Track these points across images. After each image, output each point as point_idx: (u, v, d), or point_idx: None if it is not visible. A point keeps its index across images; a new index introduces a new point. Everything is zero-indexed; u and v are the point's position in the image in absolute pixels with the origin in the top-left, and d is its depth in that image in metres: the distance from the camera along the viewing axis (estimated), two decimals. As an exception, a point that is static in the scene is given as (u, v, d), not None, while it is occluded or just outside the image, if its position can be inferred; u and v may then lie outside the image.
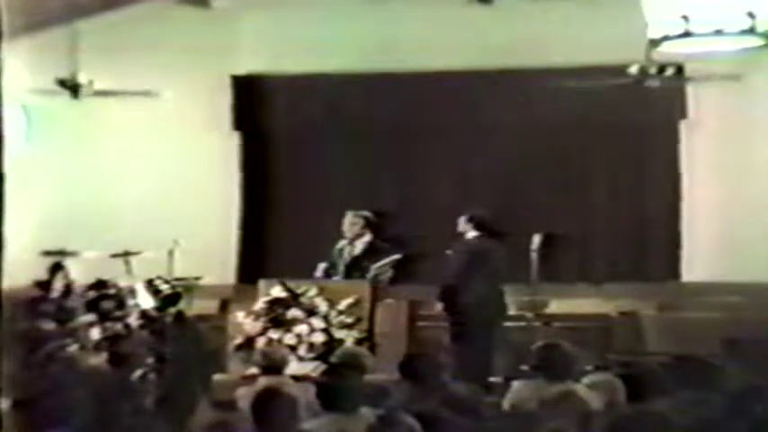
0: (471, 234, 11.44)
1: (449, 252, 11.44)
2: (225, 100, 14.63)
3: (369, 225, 12.03)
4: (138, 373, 8.77)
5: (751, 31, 9.51)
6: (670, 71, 12.42)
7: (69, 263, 12.35)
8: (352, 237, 11.90)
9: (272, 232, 14.78)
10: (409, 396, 6.73)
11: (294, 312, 11.11)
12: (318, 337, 10.97)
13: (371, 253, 11.75)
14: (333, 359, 8.63)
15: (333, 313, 11.07)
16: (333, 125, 14.56)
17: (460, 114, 14.19)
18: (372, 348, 10.50)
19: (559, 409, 5.58)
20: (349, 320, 11.04)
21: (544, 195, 13.99)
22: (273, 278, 11.56)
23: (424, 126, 14.36)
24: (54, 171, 14.65)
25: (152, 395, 6.67)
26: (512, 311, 11.72)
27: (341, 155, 14.59)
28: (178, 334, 11.71)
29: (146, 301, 11.86)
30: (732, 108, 13.43)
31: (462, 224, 11.49)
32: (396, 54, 13.83)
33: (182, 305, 12.00)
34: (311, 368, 10.61)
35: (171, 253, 11.99)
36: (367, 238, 11.90)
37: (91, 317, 11.80)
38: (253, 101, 14.71)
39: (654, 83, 12.39)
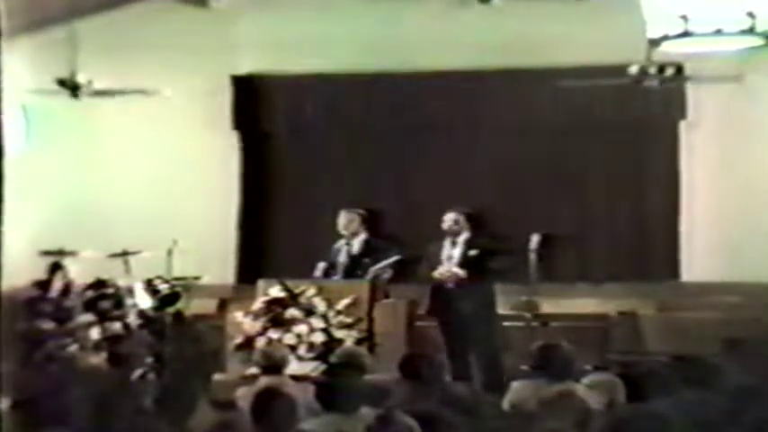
0: (466, 234, 11.41)
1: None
2: (225, 100, 14.62)
3: (364, 222, 12.03)
4: (138, 372, 8.79)
5: (751, 31, 9.50)
6: (670, 71, 12.41)
7: (68, 262, 12.34)
8: (350, 235, 11.89)
9: (272, 232, 14.78)
10: (409, 396, 6.73)
11: (293, 312, 11.10)
12: (318, 337, 10.96)
13: (370, 251, 11.74)
14: (332, 359, 8.63)
15: (332, 313, 11.06)
16: (332, 125, 14.56)
17: (460, 114, 14.19)
18: (372, 348, 10.50)
19: (559, 409, 5.57)
20: (348, 320, 11.03)
21: (544, 195, 13.99)
22: (272, 278, 11.55)
23: (424, 126, 14.36)
24: (54, 171, 14.65)
25: (151, 395, 6.66)
26: (513, 311, 11.74)
27: (340, 155, 14.59)
28: (177, 334, 11.72)
29: (144, 301, 11.87)
30: (732, 108, 13.43)
31: (460, 222, 11.43)
32: (396, 54, 13.83)
33: (180, 305, 12.01)
34: (311, 368, 10.60)
35: (170, 253, 11.99)
36: (363, 236, 11.90)
37: (90, 317, 11.80)
38: (253, 101, 14.70)
39: (653, 83, 12.39)
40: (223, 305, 12.69)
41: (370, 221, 12.22)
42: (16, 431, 5.36)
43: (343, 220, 11.97)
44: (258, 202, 14.80)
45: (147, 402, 6.49)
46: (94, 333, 11.65)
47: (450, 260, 11.37)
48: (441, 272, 11.29)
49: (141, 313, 11.82)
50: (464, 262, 11.29)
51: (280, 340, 10.85)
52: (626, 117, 13.74)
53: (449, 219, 11.46)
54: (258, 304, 11.24)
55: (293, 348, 10.81)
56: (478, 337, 11.12)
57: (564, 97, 13.45)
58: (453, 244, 11.42)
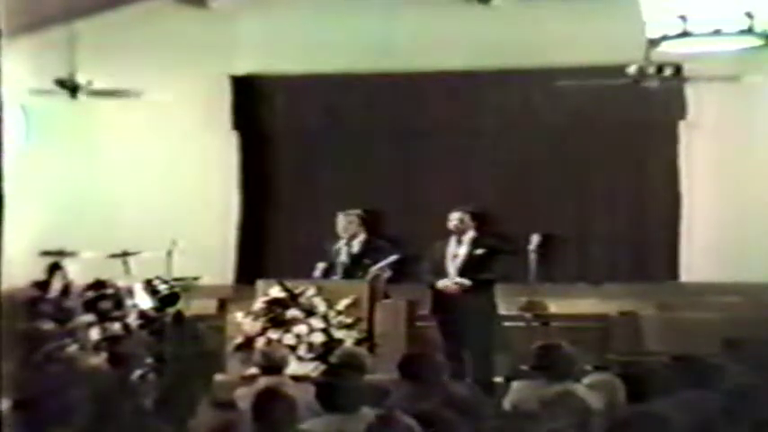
0: (471, 233, 11.40)
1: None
2: (225, 100, 14.63)
3: (363, 223, 12.02)
4: (138, 373, 8.77)
5: (749, 31, 9.53)
6: (669, 71, 12.42)
7: (68, 263, 12.34)
8: (349, 236, 11.88)
9: (271, 232, 14.78)
10: (409, 396, 6.73)
11: (293, 312, 11.10)
12: (318, 337, 10.96)
13: (371, 251, 11.73)
14: (332, 359, 8.63)
15: (332, 313, 11.06)
16: (332, 125, 14.57)
17: (460, 114, 14.19)
18: (372, 348, 10.50)
19: (559, 409, 5.57)
20: (348, 320, 11.03)
21: (544, 195, 13.99)
22: (272, 278, 11.55)
23: (424, 126, 14.37)
24: (53, 171, 14.65)
25: (152, 395, 6.66)
26: (516, 312, 11.74)
27: (340, 155, 14.59)
28: (177, 334, 11.71)
29: (144, 302, 11.87)
30: (731, 108, 13.43)
31: (465, 221, 11.41)
32: (395, 54, 13.82)
33: (180, 305, 12.01)
34: (311, 368, 10.60)
35: (169, 253, 11.99)
36: (362, 236, 11.89)
37: (90, 317, 11.80)
38: (252, 101, 14.71)
39: (653, 83, 12.39)
40: (223, 305, 12.69)
41: (370, 222, 12.22)
42: (16, 431, 5.36)
43: (342, 222, 11.96)
44: (258, 202, 14.80)
45: (147, 403, 6.49)
46: (94, 333, 11.64)
47: (455, 259, 11.36)
48: (445, 284, 11.25)
49: (141, 314, 11.82)
50: (469, 262, 11.27)
51: (279, 340, 10.85)
52: (626, 117, 13.74)
53: (454, 218, 11.44)
54: (258, 304, 11.24)
55: (293, 349, 10.81)
56: (476, 337, 11.11)
57: (564, 97, 13.45)
58: (459, 243, 11.41)
